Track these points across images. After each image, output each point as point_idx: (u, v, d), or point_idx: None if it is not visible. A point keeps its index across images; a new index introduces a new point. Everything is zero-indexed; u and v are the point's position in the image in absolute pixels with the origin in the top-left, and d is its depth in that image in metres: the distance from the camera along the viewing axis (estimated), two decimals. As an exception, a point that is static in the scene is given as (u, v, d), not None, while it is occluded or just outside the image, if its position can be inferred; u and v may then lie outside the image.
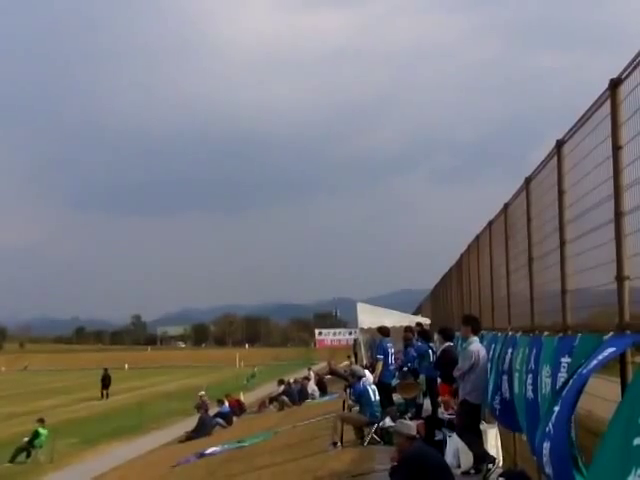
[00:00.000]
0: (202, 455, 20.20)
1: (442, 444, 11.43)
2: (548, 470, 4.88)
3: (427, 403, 15.91)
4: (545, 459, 4.89)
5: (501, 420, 9.67)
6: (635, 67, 4.74)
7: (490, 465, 9.88)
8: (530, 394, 6.97)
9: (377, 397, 15.15)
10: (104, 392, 50.89)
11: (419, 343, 17.76)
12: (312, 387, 34.16)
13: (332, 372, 34.71)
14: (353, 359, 35.69)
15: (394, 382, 17.46)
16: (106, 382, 51.53)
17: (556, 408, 4.83)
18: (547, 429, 4.89)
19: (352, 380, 16.19)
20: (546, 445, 4.81)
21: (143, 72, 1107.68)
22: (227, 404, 30.81)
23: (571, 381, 4.86)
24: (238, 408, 33.15)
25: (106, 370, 52.40)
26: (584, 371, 4.66)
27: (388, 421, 14.18)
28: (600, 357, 4.52)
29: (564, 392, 4.89)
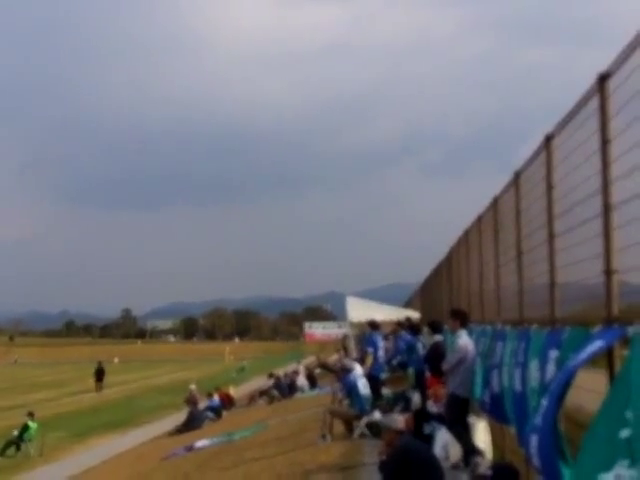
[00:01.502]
0: (191, 448, 20.20)
1: (431, 437, 11.45)
2: (536, 462, 4.91)
3: (416, 396, 15.93)
4: (533, 451, 4.92)
5: (490, 413, 9.70)
6: (623, 61, 4.75)
7: (478, 458, 9.91)
8: (518, 387, 6.99)
9: (367, 390, 15.18)
10: (98, 385, 51.07)
11: (409, 336, 17.81)
12: (302, 381, 34.17)
13: (322, 365, 34.74)
14: (343, 353, 35.71)
15: (383, 375, 17.50)
16: (100, 375, 51.70)
17: (544, 401, 4.85)
18: (535, 422, 4.91)
19: (342, 373, 16.20)
20: (534, 438, 4.83)
21: (135, 68, 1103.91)
22: (217, 397, 30.82)
23: (558, 373, 4.89)
24: (228, 402, 33.15)
25: (100, 363, 52.59)
26: (572, 364, 4.68)
27: (377, 414, 14.20)
28: (588, 351, 4.54)
29: (552, 385, 4.92)
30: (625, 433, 3.62)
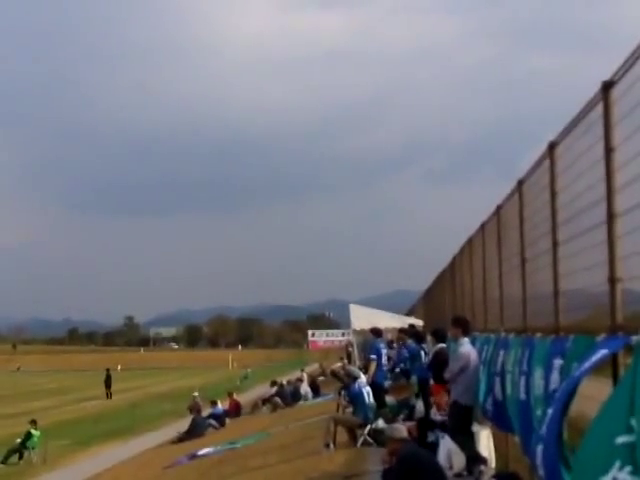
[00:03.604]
0: (194, 456, 20.18)
1: (435, 446, 11.42)
2: (541, 472, 4.88)
3: (420, 404, 15.91)
4: (539, 461, 4.89)
5: (494, 421, 9.68)
6: (627, 69, 4.75)
7: (482, 467, 9.88)
8: (522, 395, 6.97)
9: (371, 399, 15.16)
10: (108, 392, 52.04)
11: (413, 344, 17.79)
12: (305, 388, 34.14)
13: (334, 374, 34.66)
14: (346, 360, 35.68)
15: (387, 383, 17.49)
16: (108, 382, 52.70)
17: (549, 411, 4.83)
18: (540, 432, 4.89)
19: (347, 381, 16.18)
20: (540, 448, 4.81)
21: (138, 72, 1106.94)
22: (220, 405, 30.79)
23: (563, 383, 4.87)
24: (236, 409, 33.13)
25: (108, 370, 53.60)
26: (576, 373, 4.67)
27: (381, 423, 14.18)
28: (593, 359, 4.52)
29: (557, 394, 4.89)
30: (625, 439, 3.62)
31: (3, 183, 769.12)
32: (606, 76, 5.14)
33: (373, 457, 12.27)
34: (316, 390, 34.33)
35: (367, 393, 15.12)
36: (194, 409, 29.67)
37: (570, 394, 4.71)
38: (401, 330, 21.79)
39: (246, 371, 65.71)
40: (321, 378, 39.94)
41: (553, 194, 6.82)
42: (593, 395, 5.14)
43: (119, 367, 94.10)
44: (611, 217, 5.06)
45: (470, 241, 14.41)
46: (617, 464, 3.60)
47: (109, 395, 52.19)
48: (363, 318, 26.91)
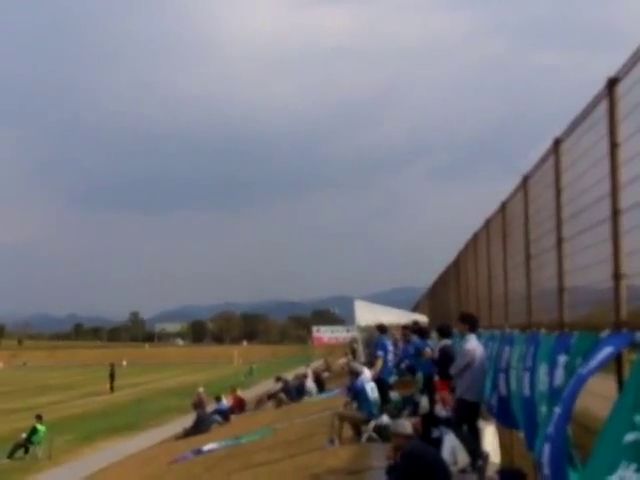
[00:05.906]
0: (199, 452, 20.19)
1: (439, 442, 11.42)
2: (546, 471, 4.86)
3: (424, 400, 15.90)
4: (545, 460, 4.88)
5: (498, 417, 9.67)
6: (632, 66, 4.75)
7: (480, 462, 9.88)
8: (527, 392, 6.97)
9: (375, 394, 15.16)
10: (111, 386, 52.49)
11: (418, 340, 17.79)
12: (310, 384, 34.13)
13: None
14: (351, 356, 35.67)
15: (392, 379, 17.50)
16: (112, 377, 53.13)
17: (557, 410, 4.82)
18: (548, 431, 4.87)
19: (351, 377, 16.19)
20: (547, 447, 4.79)
21: (143, 70, 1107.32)
22: (225, 401, 30.81)
23: (570, 382, 4.86)
24: (240, 405, 33.13)
25: (112, 365, 53.88)
26: (583, 372, 4.66)
27: (385, 418, 14.18)
28: (599, 358, 4.51)
29: (564, 394, 4.88)
30: (631, 437, 3.62)
31: (10, 181, 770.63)
32: (611, 73, 5.13)
33: (377, 453, 12.26)
34: (321, 386, 34.31)
35: (371, 389, 15.11)
36: (199, 405, 29.70)
37: (577, 393, 4.70)
38: (405, 327, 21.79)
39: (251, 367, 65.73)
40: (326, 374, 39.90)
41: (558, 190, 6.81)
42: (597, 391, 5.14)
43: (124, 363, 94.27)
44: (616, 213, 5.05)
45: (475, 238, 14.39)
46: (624, 462, 3.59)
47: (112, 390, 52.49)
48: (368, 314, 26.92)
